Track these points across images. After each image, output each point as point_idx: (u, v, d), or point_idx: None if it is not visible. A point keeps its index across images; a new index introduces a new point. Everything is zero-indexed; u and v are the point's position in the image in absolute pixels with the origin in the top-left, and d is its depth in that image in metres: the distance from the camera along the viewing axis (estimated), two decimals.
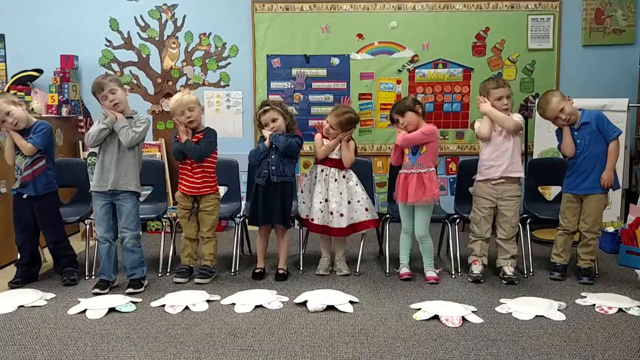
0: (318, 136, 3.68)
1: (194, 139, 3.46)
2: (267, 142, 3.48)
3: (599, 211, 3.44)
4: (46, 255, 3.73)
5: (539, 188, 4.05)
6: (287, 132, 3.52)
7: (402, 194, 3.46)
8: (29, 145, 3.37)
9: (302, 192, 3.72)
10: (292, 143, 3.47)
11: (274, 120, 3.48)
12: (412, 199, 3.41)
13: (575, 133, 3.41)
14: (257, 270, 3.59)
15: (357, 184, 3.63)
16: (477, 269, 3.44)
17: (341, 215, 3.55)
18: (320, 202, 3.57)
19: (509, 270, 3.41)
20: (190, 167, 3.49)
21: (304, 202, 3.70)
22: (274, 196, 3.50)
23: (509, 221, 3.45)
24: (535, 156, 4.62)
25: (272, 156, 3.47)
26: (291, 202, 3.65)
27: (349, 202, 3.58)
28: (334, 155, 3.60)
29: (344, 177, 3.60)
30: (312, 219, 3.58)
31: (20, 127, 3.39)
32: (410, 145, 3.44)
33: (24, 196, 3.43)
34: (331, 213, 3.55)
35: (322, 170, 3.60)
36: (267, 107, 3.50)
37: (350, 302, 3.09)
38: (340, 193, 3.57)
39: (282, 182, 3.50)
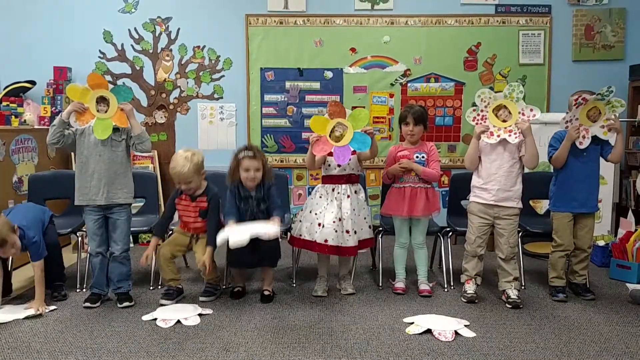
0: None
1: (194, 204, 3.39)
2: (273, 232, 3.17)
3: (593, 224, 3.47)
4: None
5: (530, 202, 4.07)
6: (262, 180, 3.32)
7: (409, 207, 3.43)
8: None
9: (302, 210, 3.54)
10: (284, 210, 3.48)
11: (257, 170, 3.28)
12: (420, 213, 3.42)
13: (591, 145, 3.31)
14: (236, 289, 3.47)
15: (364, 199, 3.55)
16: (470, 288, 3.38)
17: (355, 232, 3.40)
18: (334, 222, 3.34)
19: (513, 293, 3.29)
20: (188, 206, 3.40)
21: (300, 221, 3.48)
22: (260, 240, 3.17)
23: (506, 241, 3.36)
24: (525, 170, 4.64)
25: (257, 209, 3.29)
26: (278, 240, 3.37)
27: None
28: (344, 171, 3.44)
29: (355, 192, 3.46)
30: (326, 240, 3.32)
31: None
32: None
33: None
34: (347, 232, 3.37)
35: (334, 190, 3.42)
36: (256, 154, 3.30)
37: (343, 315, 3.09)
38: (354, 209, 3.40)
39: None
